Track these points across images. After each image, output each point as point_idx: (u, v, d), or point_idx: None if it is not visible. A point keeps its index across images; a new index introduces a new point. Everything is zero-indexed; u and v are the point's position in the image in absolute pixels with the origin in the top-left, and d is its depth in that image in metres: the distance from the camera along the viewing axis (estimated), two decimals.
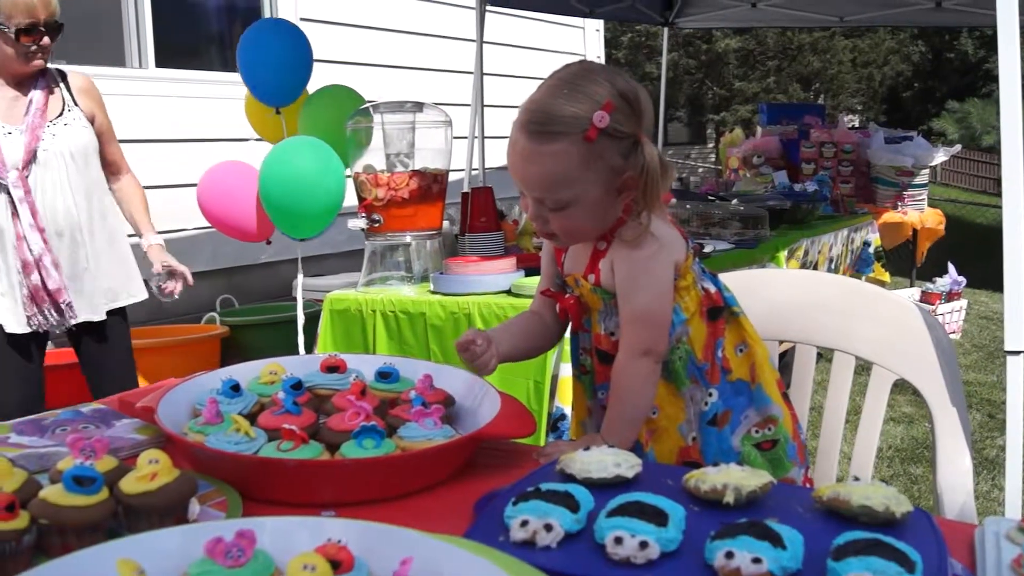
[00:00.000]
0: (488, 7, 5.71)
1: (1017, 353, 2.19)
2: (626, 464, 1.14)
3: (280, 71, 3.70)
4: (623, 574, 0.93)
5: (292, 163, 3.45)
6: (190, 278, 3.12)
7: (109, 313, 2.98)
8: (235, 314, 5.11)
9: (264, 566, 0.85)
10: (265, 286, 5.59)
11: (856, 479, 1.09)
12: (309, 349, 3.89)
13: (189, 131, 5.17)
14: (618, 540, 0.94)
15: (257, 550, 0.86)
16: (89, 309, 2.92)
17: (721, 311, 1.55)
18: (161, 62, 5.18)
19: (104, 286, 2.96)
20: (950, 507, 1.55)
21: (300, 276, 3.76)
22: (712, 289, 1.55)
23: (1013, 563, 0.94)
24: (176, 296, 3.11)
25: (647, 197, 1.42)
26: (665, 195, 1.50)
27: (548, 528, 0.98)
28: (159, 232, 3.18)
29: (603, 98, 1.38)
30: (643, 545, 0.94)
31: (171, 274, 3.09)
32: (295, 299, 5.27)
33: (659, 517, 0.97)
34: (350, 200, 3.65)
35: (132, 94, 4.93)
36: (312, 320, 4.78)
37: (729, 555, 0.90)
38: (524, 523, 0.99)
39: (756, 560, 0.89)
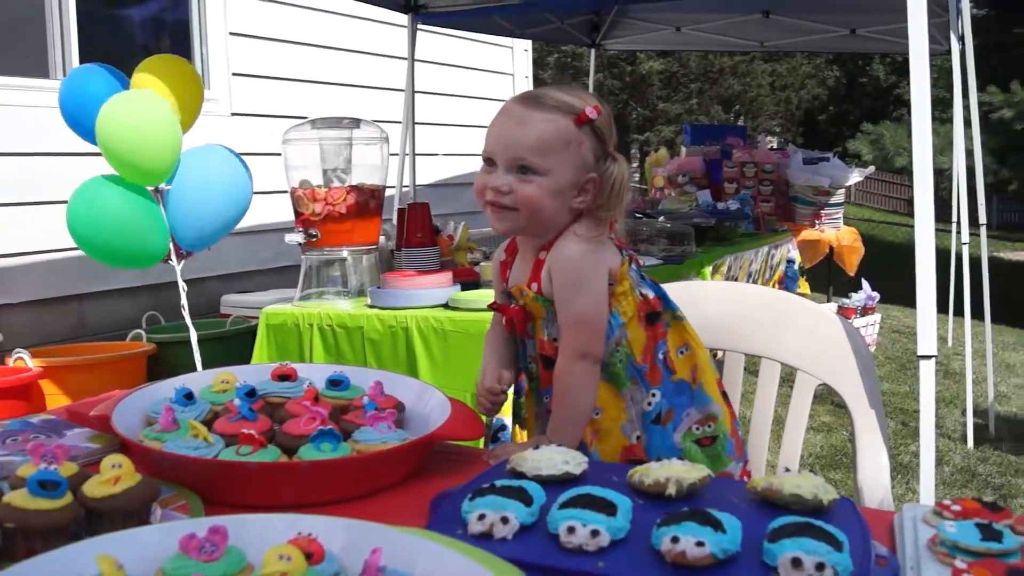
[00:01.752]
0: (419, 26, 5.76)
1: (928, 358, 2.33)
2: (574, 461, 1.20)
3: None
4: (576, 561, 0.98)
5: (96, 213, 3.34)
6: None
7: None
8: (162, 331, 5.06)
9: (236, 560, 0.88)
10: (192, 303, 5.53)
11: (787, 470, 1.17)
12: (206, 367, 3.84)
13: None
14: (571, 529, 1.00)
15: (229, 546, 0.89)
16: None
17: (659, 316, 1.62)
18: None
19: None
20: (870, 500, 1.65)
21: (183, 291, 3.65)
22: (651, 295, 1.62)
23: (929, 542, 1.02)
24: None
25: (609, 205, 1.55)
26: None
27: (504, 521, 1.03)
28: None
29: (594, 103, 1.55)
30: (594, 533, 1.00)
31: None
32: (224, 316, 5.26)
33: (608, 508, 1.03)
34: (285, 215, 3.66)
35: (56, 106, 4.86)
36: (243, 336, 4.77)
37: (674, 540, 0.96)
38: (481, 516, 1.04)
39: (699, 544, 0.95)
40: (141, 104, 3.37)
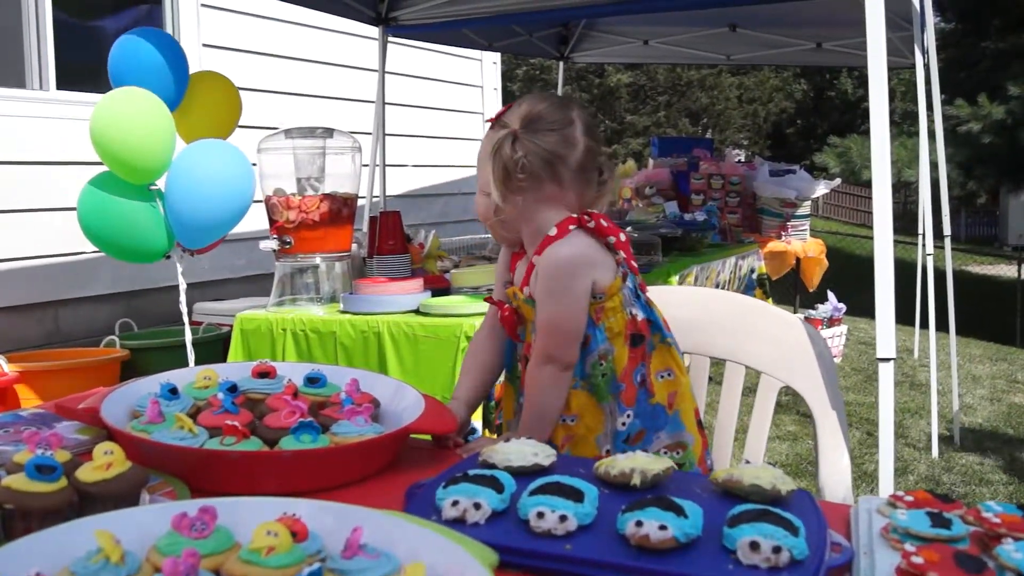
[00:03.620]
0: (390, 38, 5.82)
1: (887, 360, 2.41)
2: (543, 454, 1.26)
3: (155, 81, 3.56)
4: (545, 544, 1.04)
5: (100, 208, 3.44)
6: None
7: None
8: (134, 337, 5.07)
9: (225, 538, 0.94)
10: (164, 310, 5.55)
11: (747, 462, 1.23)
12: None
13: (90, 154, 5.13)
14: (540, 515, 1.06)
15: (218, 525, 0.95)
16: None
17: (643, 339, 1.65)
18: (62, 84, 5.13)
19: None
20: (831, 499, 1.71)
21: (183, 290, 3.71)
22: (640, 316, 1.65)
23: (882, 530, 1.09)
24: None
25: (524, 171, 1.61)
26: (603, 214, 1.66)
27: (477, 506, 1.09)
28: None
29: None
30: (562, 518, 1.05)
31: None
32: (196, 323, 5.28)
33: (576, 495, 1.09)
34: (257, 224, 3.70)
35: (33, 116, 4.90)
36: (214, 343, 4.79)
37: (638, 524, 1.02)
38: (455, 503, 1.10)
39: (662, 527, 1.01)
40: (134, 103, 3.42)
